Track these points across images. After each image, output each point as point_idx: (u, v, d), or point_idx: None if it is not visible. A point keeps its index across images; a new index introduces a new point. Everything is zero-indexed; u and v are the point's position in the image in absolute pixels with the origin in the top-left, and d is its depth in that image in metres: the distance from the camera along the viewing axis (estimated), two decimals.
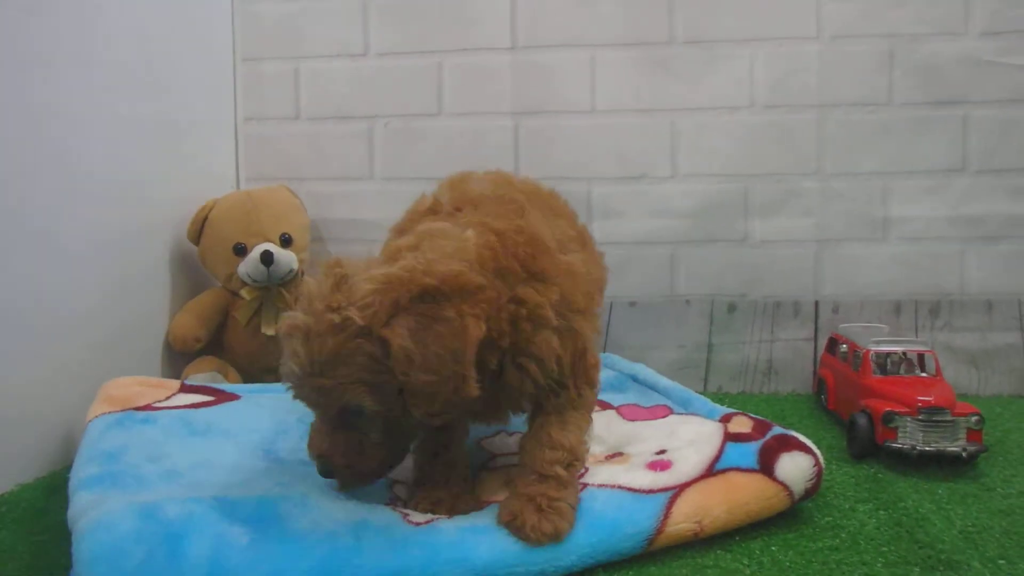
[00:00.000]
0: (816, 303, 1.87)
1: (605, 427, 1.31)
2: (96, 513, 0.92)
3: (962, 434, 1.30)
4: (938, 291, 1.85)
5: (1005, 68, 1.80)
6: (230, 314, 1.76)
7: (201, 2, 1.88)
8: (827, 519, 1.11)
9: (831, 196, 1.86)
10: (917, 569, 0.96)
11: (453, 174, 1.27)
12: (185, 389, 1.46)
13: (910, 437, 1.31)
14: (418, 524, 1.01)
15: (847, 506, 1.15)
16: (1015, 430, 1.52)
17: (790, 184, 1.87)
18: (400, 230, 1.16)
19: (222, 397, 1.47)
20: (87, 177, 1.47)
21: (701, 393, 1.51)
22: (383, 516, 1.02)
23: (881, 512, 1.13)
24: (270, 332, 1.74)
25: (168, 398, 1.40)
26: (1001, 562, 0.97)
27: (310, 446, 1.03)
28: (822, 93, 1.85)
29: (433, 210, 1.17)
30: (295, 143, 1.97)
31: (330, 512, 0.99)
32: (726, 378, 1.87)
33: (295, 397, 1.00)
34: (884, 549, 1.02)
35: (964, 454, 1.29)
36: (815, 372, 1.80)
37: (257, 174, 1.96)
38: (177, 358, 1.71)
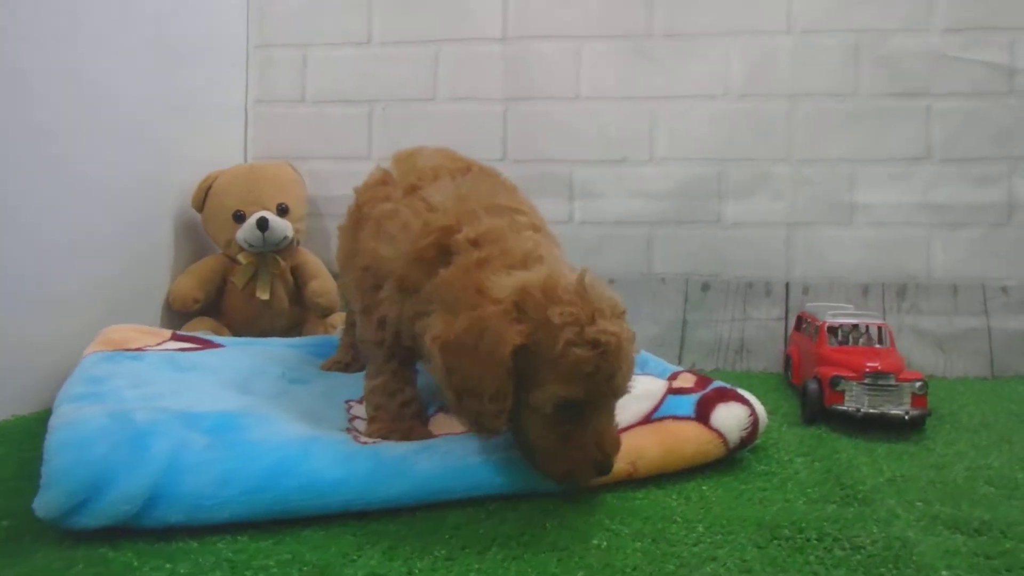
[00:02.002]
0: (787, 284, 1.88)
1: None
2: (71, 416, 0.96)
3: (906, 399, 1.31)
4: (905, 275, 1.86)
5: (966, 63, 1.82)
6: (228, 279, 1.80)
7: None
8: (763, 467, 1.12)
9: (801, 181, 1.88)
10: (834, 505, 0.97)
11: (401, 150, 1.32)
12: (176, 338, 1.50)
13: (855, 400, 1.33)
14: (366, 443, 1.04)
15: (786, 459, 1.16)
16: (971, 405, 1.52)
17: (762, 169, 1.89)
18: (359, 206, 1.26)
19: (208, 345, 1.50)
20: (103, 138, 1.54)
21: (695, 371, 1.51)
22: (335, 435, 1.06)
23: (816, 463, 1.14)
24: (264, 296, 1.78)
25: (159, 344, 1.44)
26: (919, 504, 0.98)
27: (604, 452, 0.96)
28: (793, 84, 1.88)
29: (383, 181, 1.25)
30: (300, 124, 2.02)
31: (286, 428, 1.03)
32: (700, 355, 1.89)
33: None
34: (808, 490, 1.03)
35: (907, 417, 1.30)
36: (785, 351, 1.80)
37: (264, 152, 2.01)
38: (176, 317, 1.74)
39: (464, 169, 1.22)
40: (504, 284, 0.95)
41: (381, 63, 1.99)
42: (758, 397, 1.19)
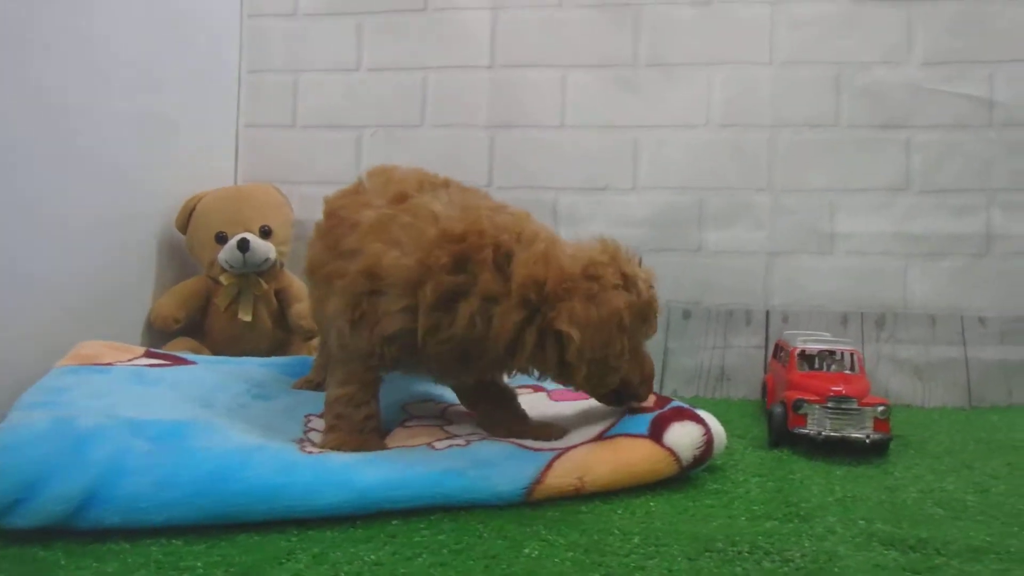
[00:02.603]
0: (767, 312, 1.87)
1: (530, 405, 1.32)
2: (15, 421, 0.97)
3: (868, 423, 1.31)
4: (883, 304, 1.85)
5: (946, 95, 1.83)
6: (211, 300, 1.80)
7: (213, 17, 1.98)
8: (716, 486, 1.12)
9: (781, 210, 1.88)
10: (774, 522, 0.97)
11: (372, 167, 1.36)
12: (149, 354, 1.49)
13: (817, 424, 1.32)
14: (311, 452, 1.05)
15: (741, 478, 1.16)
16: (941, 433, 1.51)
17: (743, 198, 1.89)
18: (333, 212, 1.29)
19: (180, 362, 1.49)
20: (88, 162, 1.55)
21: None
22: (281, 445, 1.07)
23: (769, 483, 1.14)
24: (246, 318, 1.77)
25: (130, 360, 1.44)
26: (861, 522, 0.97)
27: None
28: (774, 114, 1.88)
29: (357, 191, 1.28)
30: (290, 149, 2.05)
31: (232, 437, 1.04)
32: (681, 382, 1.88)
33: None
34: (754, 507, 1.03)
35: (867, 440, 1.29)
36: None
37: (254, 176, 2.02)
38: (157, 337, 1.74)
39: (444, 184, 1.25)
40: (576, 259, 1.10)
41: (370, 89, 2.02)
42: (734, 423, 1.22)
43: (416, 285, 1.06)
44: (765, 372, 1.80)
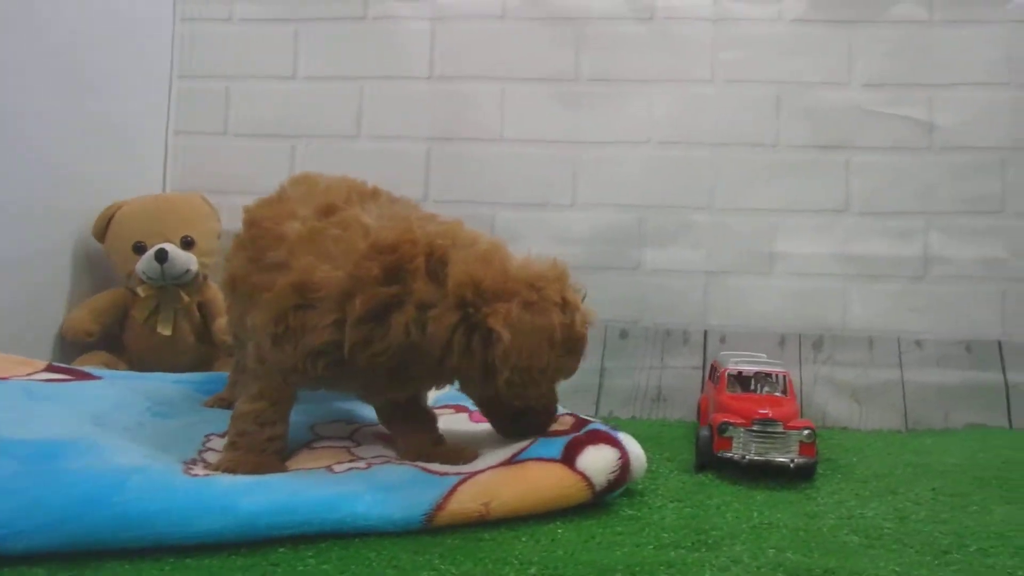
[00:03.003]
0: (705, 332, 1.85)
1: (450, 427, 1.29)
2: None
3: (794, 447, 1.28)
4: (821, 326, 1.83)
5: (887, 117, 1.82)
6: (129, 313, 1.74)
7: (145, 19, 1.92)
8: (631, 512, 1.07)
9: (721, 230, 1.85)
10: (682, 550, 0.93)
11: (294, 174, 1.34)
12: (51, 368, 1.43)
13: (742, 447, 1.29)
14: (195, 475, 1.00)
15: (658, 504, 1.12)
16: (872, 457, 1.49)
17: (683, 217, 1.87)
18: (255, 223, 1.24)
19: (83, 377, 1.43)
20: (6, 157, 1.49)
21: (592, 417, 1.46)
22: (162, 466, 1.02)
23: (686, 509, 1.10)
24: (166, 332, 1.71)
25: (29, 374, 1.38)
26: (771, 551, 0.94)
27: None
28: (716, 133, 1.86)
29: (280, 199, 1.25)
30: (221, 157, 1.98)
31: (111, 458, 0.98)
32: (617, 403, 1.83)
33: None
34: (663, 535, 0.98)
35: (792, 464, 1.26)
36: None
37: (183, 185, 1.96)
38: (71, 350, 1.68)
39: (372, 194, 1.23)
40: (523, 269, 1.08)
41: (305, 98, 1.96)
42: (668, 445, 1.19)
43: (346, 298, 1.03)
44: (702, 393, 1.77)
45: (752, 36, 1.87)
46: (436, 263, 1.04)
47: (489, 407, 1.20)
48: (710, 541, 0.96)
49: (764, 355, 1.66)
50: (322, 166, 1.83)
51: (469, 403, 1.45)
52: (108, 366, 1.63)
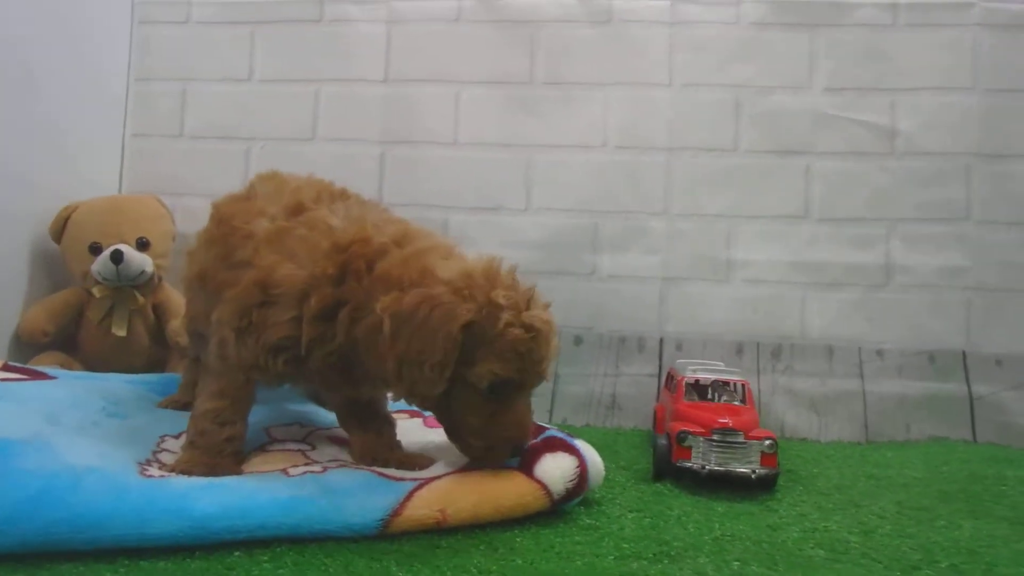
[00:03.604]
0: (660, 340, 1.87)
1: (403, 433, 1.28)
2: None
3: (755, 457, 1.28)
4: (780, 334, 1.85)
5: (846, 122, 1.85)
6: (84, 313, 1.79)
7: (102, 22, 1.97)
8: (590, 522, 1.07)
9: (676, 236, 1.88)
10: (644, 562, 0.93)
11: (262, 172, 1.36)
12: (6, 368, 1.47)
13: (702, 457, 1.29)
14: (150, 476, 1.00)
15: (617, 514, 1.12)
16: (833, 468, 1.48)
17: (638, 222, 1.89)
18: (223, 220, 1.25)
19: (38, 376, 1.47)
20: None
21: (547, 424, 1.47)
22: (116, 466, 1.02)
23: (646, 520, 1.10)
24: (121, 333, 1.76)
25: None
26: (735, 563, 0.93)
27: (524, 433, 1.10)
28: (671, 137, 1.88)
29: (248, 197, 1.27)
30: (177, 159, 2.03)
31: (63, 457, 0.98)
32: (570, 410, 1.85)
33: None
34: (624, 545, 0.98)
35: (753, 475, 1.26)
36: None
37: (139, 187, 2.01)
38: (26, 350, 1.73)
39: (341, 195, 1.26)
40: (449, 267, 1.04)
41: (261, 100, 2.01)
42: (622, 454, 1.20)
43: (304, 296, 1.07)
44: (657, 401, 1.78)
45: (710, 40, 1.90)
46: (369, 263, 1.06)
47: (454, 432, 1.15)
48: (672, 552, 0.96)
49: (722, 363, 1.67)
50: (277, 169, 1.83)
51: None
52: (63, 366, 1.68)
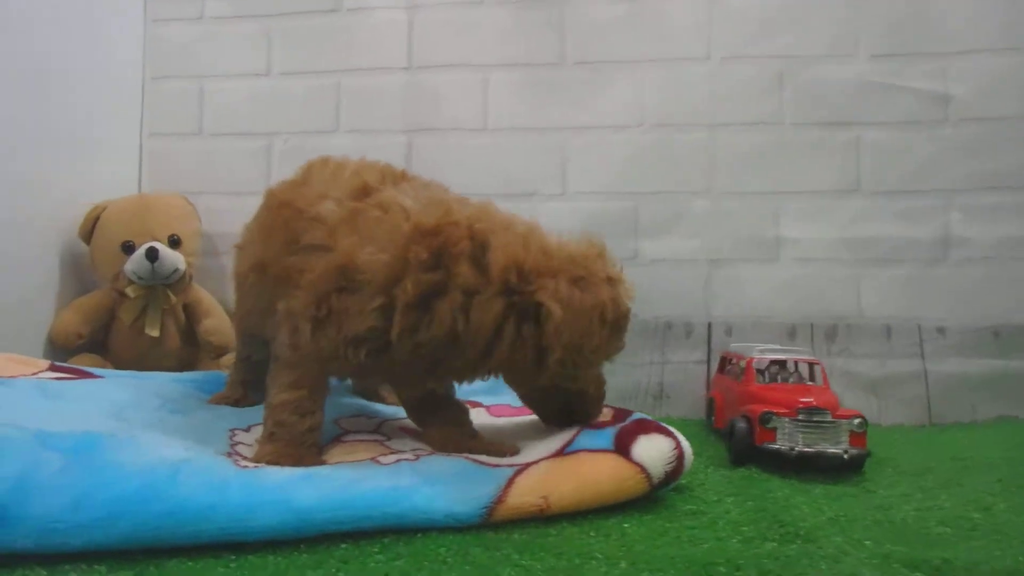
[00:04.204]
0: (708, 325, 1.85)
1: (478, 422, 1.26)
2: None
3: (844, 437, 1.24)
4: (834, 314, 1.81)
5: (894, 90, 1.82)
6: (116, 316, 1.79)
7: (115, 22, 1.96)
8: (689, 506, 1.04)
9: (721, 215, 1.85)
10: (773, 543, 0.89)
11: (312, 159, 1.31)
12: (54, 368, 1.47)
13: (788, 439, 1.24)
14: (245, 467, 0.98)
15: (714, 498, 1.08)
16: (909, 451, 1.42)
17: (679, 203, 1.86)
18: (285, 204, 1.20)
19: (85, 376, 1.47)
20: None
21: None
22: (210, 458, 0.99)
23: (748, 503, 1.06)
24: (154, 333, 1.76)
25: (34, 373, 1.40)
26: (867, 543, 0.90)
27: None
28: (712, 113, 1.86)
29: (304, 182, 1.23)
30: (196, 158, 2.02)
31: (155, 450, 0.95)
32: (616, 401, 1.74)
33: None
34: (744, 528, 0.95)
35: (846, 456, 1.22)
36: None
37: (158, 187, 2.01)
38: (59, 354, 1.73)
39: (403, 176, 1.23)
40: (564, 249, 1.06)
41: (280, 95, 2.01)
42: None
43: (393, 282, 1.02)
44: (708, 388, 1.77)
45: (747, 10, 1.87)
46: (478, 248, 1.03)
47: (536, 397, 1.20)
48: (800, 533, 0.93)
49: (778, 346, 1.63)
50: (300, 163, 1.80)
51: (484, 399, 1.49)
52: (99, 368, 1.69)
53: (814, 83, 1.80)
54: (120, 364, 1.76)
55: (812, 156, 1.80)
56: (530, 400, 1.22)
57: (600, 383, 1.19)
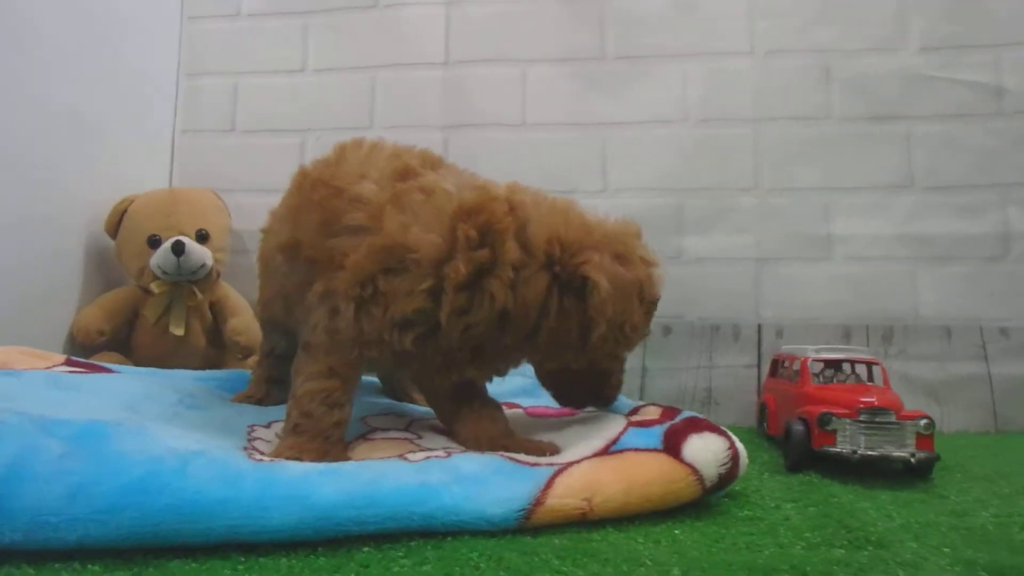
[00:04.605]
0: (758, 326, 1.77)
1: (512, 421, 1.19)
2: None
3: (910, 439, 1.15)
4: (890, 315, 1.73)
5: (946, 83, 1.76)
6: (140, 313, 1.72)
7: (151, 19, 1.94)
8: (745, 512, 0.96)
9: (769, 212, 1.79)
10: (841, 550, 0.82)
11: (345, 141, 1.23)
12: (70, 363, 1.39)
13: (850, 441, 1.16)
14: (260, 460, 0.92)
15: (772, 504, 1.00)
16: (979, 456, 1.34)
17: (726, 200, 1.80)
18: (323, 182, 1.15)
19: (100, 370, 1.39)
20: (4, 158, 1.48)
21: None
22: (222, 450, 0.92)
23: (810, 508, 0.99)
24: (179, 332, 1.69)
25: (49, 367, 1.32)
26: (946, 550, 0.83)
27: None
28: (757, 108, 1.81)
29: (337, 161, 1.17)
30: (228, 155, 1.98)
31: (164, 441, 0.89)
32: None
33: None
34: (807, 534, 0.88)
35: (913, 459, 1.13)
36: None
37: (189, 184, 1.94)
38: (80, 351, 1.65)
39: (440, 161, 1.19)
40: (603, 225, 1.06)
41: (315, 91, 1.97)
42: None
43: (443, 262, 0.99)
44: (759, 393, 1.67)
45: (793, 3, 1.81)
46: (521, 223, 1.01)
47: (561, 379, 1.16)
48: (872, 539, 0.86)
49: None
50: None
51: (522, 400, 1.43)
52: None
53: (862, 76, 1.75)
54: (143, 363, 1.68)
55: (862, 150, 1.74)
56: (552, 380, 1.18)
57: (620, 368, 1.17)
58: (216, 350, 1.76)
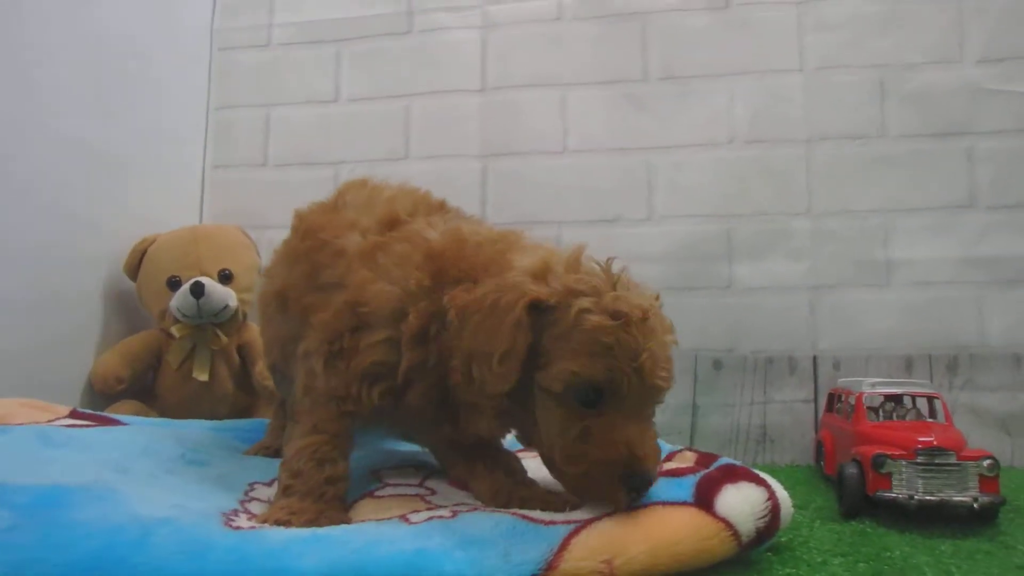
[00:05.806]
0: (814, 358, 1.69)
1: (535, 470, 1.07)
2: None
3: (973, 482, 1.08)
4: (955, 343, 1.64)
5: (1008, 96, 1.69)
6: (163, 359, 1.66)
7: (181, 51, 1.91)
8: (788, 570, 0.89)
9: (824, 237, 1.70)
10: None
11: (350, 180, 1.23)
12: (75, 415, 1.34)
13: (907, 485, 1.09)
14: (238, 528, 0.85)
15: (819, 560, 0.93)
16: None
17: (778, 224, 1.72)
18: (313, 231, 1.12)
19: (106, 423, 1.33)
20: (24, 195, 1.44)
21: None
22: (195, 518, 0.85)
23: (861, 564, 0.92)
24: (203, 377, 1.63)
25: (50, 420, 1.26)
26: None
27: (632, 454, 0.86)
28: (809, 127, 1.73)
29: (335, 207, 1.15)
30: (261, 189, 1.94)
31: (130, 507, 0.83)
32: (714, 445, 1.69)
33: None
34: None
35: (976, 505, 1.06)
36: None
37: (220, 220, 1.91)
38: (100, 400, 1.60)
39: (439, 206, 1.13)
40: (527, 256, 0.93)
41: (349, 122, 1.92)
42: (789, 493, 0.97)
43: (399, 314, 0.95)
44: (817, 429, 1.60)
45: (842, 15, 1.74)
46: (482, 266, 0.95)
47: (546, 458, 0.99)
48: None
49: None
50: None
51: None
52: (140, 415, 1.54)
53: (918, 91, 1.67)
54: (167, 411, 1.63)
55: (921, 169, 1.66)
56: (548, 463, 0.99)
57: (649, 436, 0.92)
58: (246, 395, 1.70)
